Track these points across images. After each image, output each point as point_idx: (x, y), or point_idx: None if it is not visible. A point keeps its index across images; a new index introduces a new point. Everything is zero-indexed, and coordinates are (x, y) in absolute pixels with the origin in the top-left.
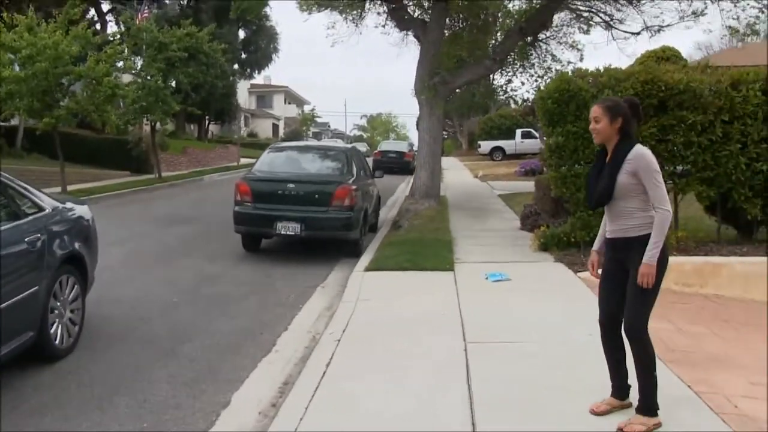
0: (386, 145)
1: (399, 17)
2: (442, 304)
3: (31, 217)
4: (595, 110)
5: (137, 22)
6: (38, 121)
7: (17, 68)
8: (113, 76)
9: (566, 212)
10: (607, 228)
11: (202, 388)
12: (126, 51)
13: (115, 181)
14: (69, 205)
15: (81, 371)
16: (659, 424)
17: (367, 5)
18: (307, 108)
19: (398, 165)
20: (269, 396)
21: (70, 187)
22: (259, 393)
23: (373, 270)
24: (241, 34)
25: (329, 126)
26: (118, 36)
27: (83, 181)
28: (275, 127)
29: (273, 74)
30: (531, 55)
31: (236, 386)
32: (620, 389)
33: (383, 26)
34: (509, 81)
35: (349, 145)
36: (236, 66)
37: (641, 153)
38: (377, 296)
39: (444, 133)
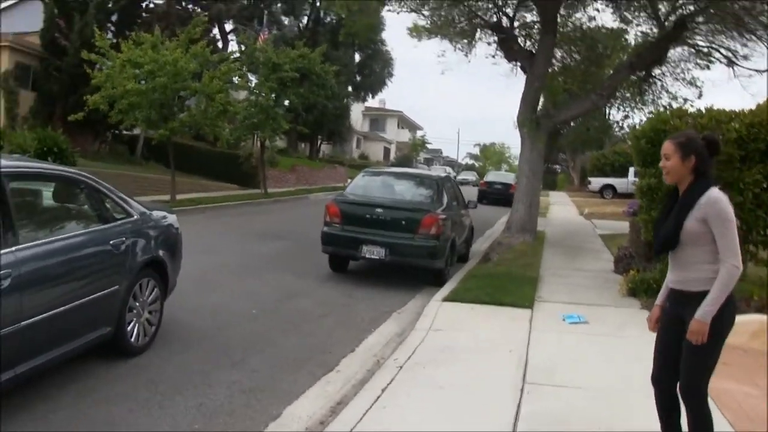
0: (492, 176)
1: (507, 47)
2: (512, 342)
3: (118, 222)
4: (666, 147)
5: (259, 42)
6: (155, 132)
7: (140, 82)
8: (226, 93)
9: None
10: (670, 278)
11: (258, 398)
12: (240, 69)
13: (223, 193)
14: (157, 213)
15: (152, 369)
16: None
17: (477, 34)
18: (419, 133)
19: (503, 196)
20: (320, 413)
21: (179, 196)
22: (310, 409)
23: (451, 301)
24: (357, 57)
25: (441, 153)
26: (234, 55)
27: (193, 190)
28: (386, 151)
29: (388, 98)
30: (645, 91)
31: (291, 400)
32: None
33: (492, 56)
34: (626, 116)
35: (443, 174)
36: (350, 88)
37: (715, 198)
38: (449, 327)
39: (557, 167)
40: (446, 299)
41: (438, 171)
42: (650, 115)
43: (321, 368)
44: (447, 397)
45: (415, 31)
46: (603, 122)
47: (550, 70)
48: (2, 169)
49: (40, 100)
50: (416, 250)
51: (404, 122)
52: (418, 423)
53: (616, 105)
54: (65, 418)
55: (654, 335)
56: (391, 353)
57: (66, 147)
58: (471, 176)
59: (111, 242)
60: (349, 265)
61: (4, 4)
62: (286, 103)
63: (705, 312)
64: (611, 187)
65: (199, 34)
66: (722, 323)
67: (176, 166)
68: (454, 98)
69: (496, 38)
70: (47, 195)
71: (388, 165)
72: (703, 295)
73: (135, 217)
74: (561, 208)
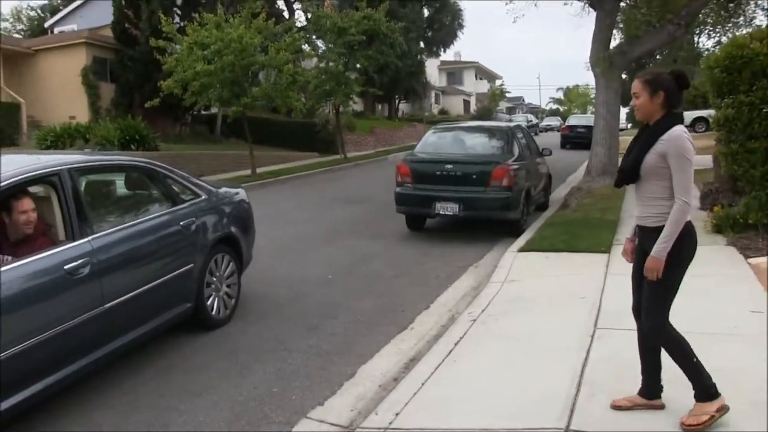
0: (574, 120)
1: None
2: (586, 288)
3: (187, 203)
4: (635, 85)
5: (324, 7)
6: (229, 110)
7: (208, 63)
8: (293, 64)
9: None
10: (635, 213)
11: (334, 360)
12: (303, 39)
13: (302, 163)
14: (225, 190)
15: (231, 339)
16: (724, 407)
17: None
18: (498, 83)
19: (586, 140)
20: (393, 370)
21: (259, 169)
22: (384, 367)
23: (527, 251)
24: (425, 12)
25: (523, 100)
26: (297, 24)
27: (273, 163)
28: (466, 104)
29: (462, 50)
30: (735, 13)
31: (365, 360)
32: (647, 388)
33: None
34: (718, 42)
35: (512, 123)
36: (422, 44)
37: (676, 134)
38: (524, 277)
39: None
40: (522, 249)
41: (519, 119)
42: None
43: (395, 327)
44: (517, 347)
45: None
46: (691, 51)
47: (622, 4)
48: (71, 165)
49: (119, 91)
50: (489, 203)
51: (482, 73)
52: (487, 373)
53: (707, 31)
54: (152, 389)
55: (739, 266)
56: (466, 307)
57: (147, 133)
58: (555, 122)
59: (181, 223)
60: (427, 223)
61: (75, 3)
62: (357, 66)
63: (658, 249)
64: (703, 119)
65: (260, 7)
66: (679, 257)
67: (255, 140)
68: (531, 44)
69: None
70: (120, 184)
71: (469, 118)
72: (659, 230)
73: (203, 196)
74: None
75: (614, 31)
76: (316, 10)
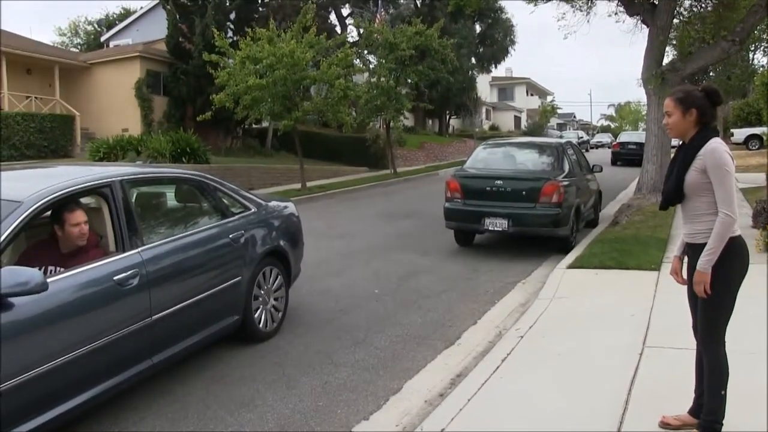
0: (625, 137)
1: (628, 1)
2: (634, 306)
3: (236, 216)
4: (666, 103)
5: (376, 23)
6: (280, 123)
7: (260, 77)
8: (345, 78)
9: None
10: (683, 231)
11: (380, 374)
12: (355, 54)
13: (352, 177)
14: (275, 204)
15: (279, 352)
16: None
17: None
18: (549, 99)
19: (637, 157)
20: (440, 386)
21: (309, 183)
22: (430, 383)
23: (576, 267)
24: (477, 28)
25: (574, 116)
26: (349, 39)
27: (323, 177)
28: (517, 120)
29: (514, 66)
30: None
31: (411, 375)
32: (699, 407)
33: (615, 13)
34: None
35: (563, 140)
36: (473, 60)
37: (713, 147)
38: (572, 294)
39: None
40: (571, 266)
41: (570, 135)
42: None
43: (442, 342)
44: (565, 364)
45: None
46: (746, 68)
47: (676, 21)
48: (123, 177)
49: (171, 104)
50: (539, 219)
51: (533, 89)
52: (533, 390)
53: (762, 48)
54: (200, 399)
55: None
56: (513, 323)
57: (198, 146)
58: (606, 138)
59: (230, 236)
60: (476, 239)
61: (132, 17)
62: (408, 81)
63: (702, 262)
64: (757, 137)
65: (311, 21)
66: (727, 272)
67: (305, 154)
68: (582, 60)
69: None
70: (170, 197)
71: (520, 134)
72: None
73: (252, 209)
74: None
75: (667, 48)
76: (368, 25)
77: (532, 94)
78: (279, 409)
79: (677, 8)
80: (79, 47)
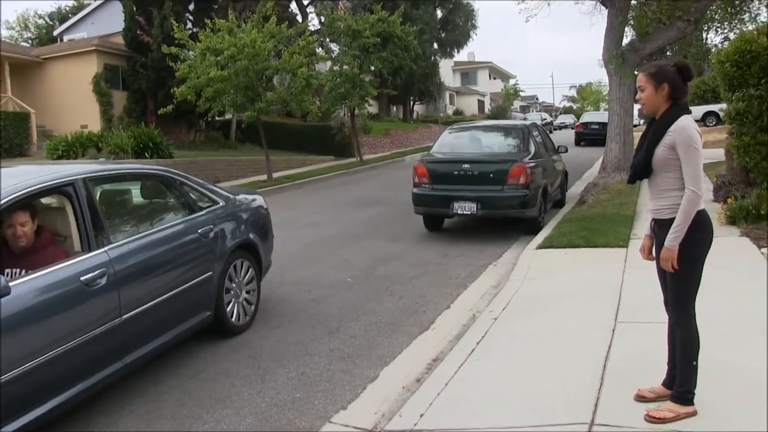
0: (588, 117)
1: None
2: (605, 282)
3: (204, 211)
4: (639, 78)
5: (339, 11)
6: (243, 115)
7: (222, 69)
8: (307, 67)
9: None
10: (650, 206)
11: (356, 363)
12: (317, 42)
13: (319, 166)
14: (243, 197)
15: (253, 345)
16: (693, 413)
17: None
18: (512, 82)
19: (600, 136)
20: (416, 372)
21: (275, 174)
22: (407, 369)
23: (546, 248)
24: (439, 14)
25: (537, 99)
26: (311, 27)
27: (289, 167)
28: (480, 104)
29: (476, 51)
30: (741, 10)
31: (387, 362)
32: (672, 379)
33: None
34: (725, 39)
35: (528, 122)
36: (435, 46)
37: (683, 125)
38: (543, 274)
39: None
40: (540, 246)
41: (533, 117)
42: None
43: (417, 328)
44: (539, 344)
45: None
46: (700, 48)
47: (633, 2)
48: (86, 175)
49: (131, 99)
50: (507, 201)
51: (495, 72)
52: (510, 371)
53: (714, 28)
54: (175, 398)
55: (753, 257)
56: (486, 306)
57: (161, 141)
58: (569, 119)
59: (199, 231)
60: (445, 224)
61: (86, 10)
62: (372, 68)
63: (670, 239)
64: (714, 114)
65: (271, 10)
66: (694, 246)
67: (270, 145)
68: (544, 43)
69: None
70: (136, 193)
71: (484, 118)
72: (673, 222)
73: (220, 203)
74: None
75: (626, 29)
76: (330, 13)
77: (494, 78)
78: (256, 403)
79: None
80: (30, 42)
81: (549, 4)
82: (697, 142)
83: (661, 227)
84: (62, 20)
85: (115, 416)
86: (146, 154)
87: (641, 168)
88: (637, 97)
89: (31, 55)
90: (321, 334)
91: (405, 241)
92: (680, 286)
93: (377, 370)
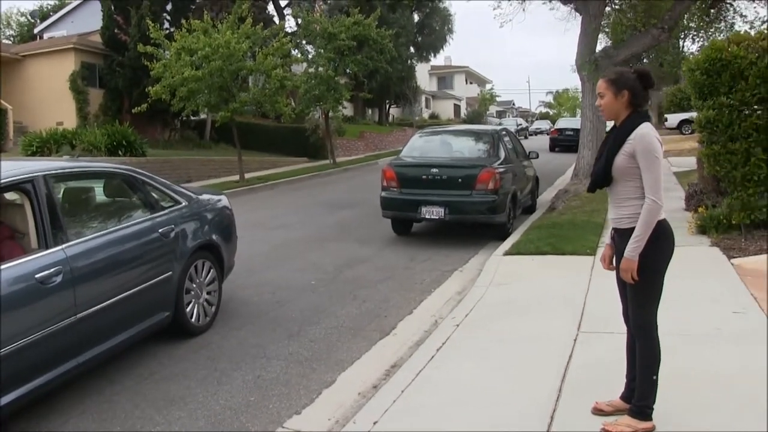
0: (563, 123)
1: None
2: (570, 291)
3: (166, 210)
4: (599, 84)
5: (316, 13)
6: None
7: (196, 69)
8: (281, 69)
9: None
10: (609, 215)
11: (314, 367)
12: (291, 44)
13: (292, 168)
14: (207, 197)
15: (212, 347)
16: (651, 429)
17: None
18: (488, 87)
19: (575, 143)
20: (374, 378)
21: (248, 175)
22: (364, 374)
23: (513, 254)
24: (416, 17)
25: (513, 104)
26: (287, 29)
27: (262, 168)
28: (457, 108)
29: (453, 55)
30: (716, 18)
31: (345, 367)
32: (631, 392)
33: (549, 0)
34: (701, 47)
35: (498, 127)
36: (412, 49)
37: (643, 132)
38: (509, 281)
39: None
40: (507, 253)
41: (509, 123)
42: None
43: (378, 333)
44: (499, 352)
45: None
46: (677, 55)
47: (608, 9)
48: (47, 172)
49: (108, 97)
50: (475, 207)
51: (472, 77)
52: (467, 379)
53: (691, 36)
54: (129, 398)
55: (722, 267)
56: (449, 312)
57: (135, 139)
58: (545, 125)
59: (159, 231)
60: (414, 228)
61: (66, 9)
62: (347, 71)
63: (629, 249)
64: (689, 121)
65: (246, 12)
66: (654, 257)
67: (245, 145)
68: (521, 48)
69: None
70: (98, 192)
71: (459, 122)
72: (632, 231)
73: (183, 203)
74: None
75: (600, 35)
76: (306, 15)
77: (471, 83)
78: (210, 406)
79: None
80: (11, 39)
81: (524, 10)
82: (658, 150)
83: (621, 237)
84: (43, 18)
85: (68, 415)
86: (120, 152)
87: (601, 176)
88: (597, 103)
89: (11, 52)
90: (281, 337)
91: (374, 244)
92: (640, 298)
93: (334, 375)
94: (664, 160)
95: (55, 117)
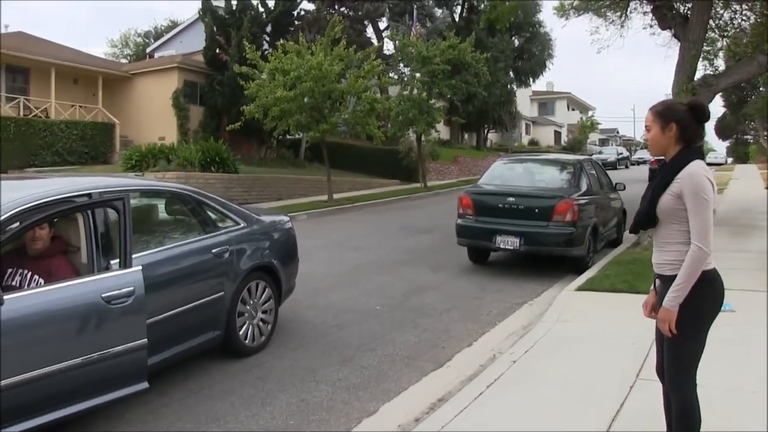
0: None
1: (660, 15)
2: (638, 333)
3: (222, 231)
4: (646, 117)
5: (412, 37)
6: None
7: (289, 89)
8: (371, 91)
9: None
10: (653, 260)
11: (359, 395)
12: (381, 66)
13: (381, 190)
14: (267, 219)
15: (264, 367)
16: None
17: (631, 4)
18: (590, 114)
19: None
20: (417, 411)
21: (337, 195)
22: (408, 406)
23: (585, 290)
24: (516, 42)
25: (617, 132)
26: (386, 52)
27: (353, 189)
28: (557, 135)
29: (556, 80)
30: None
31: (391, 397)
32: None
33: (650, 26)
34: None
35: (582, 157)
36: (511, 74)
37: (691, 171)
38: (577, 318)
39: (748, 137)
40: (580, 288)
41: (609, 152)
42: None
43: (431, 364)
44: (551, 392)
45: (561, 11)
46: None
47: (712, 35)
48: (103, 189)
49: (207, 114)
50: (551, 238)
51: (574, 103)
52: (512, 418)
53: None
54: (174, 411)
55: None
56: (510, 347)
57: (227, 156)
58: (648, 154)
59: (213, 251)
60: (491, 257)
61: (176, 29)
62: (441, 95)
63: (669, 299)
64: None
65: (340, 33)
66: (695, 309)
67: (338, 166)
68: (626, 74)
69: (650, 5)
70: (158, 210)
71: (559, 149)
72: (674, 279)
73: (241, 224)
74: (743, 184)
75: (699, 63)
76: (402, 38)
77: (573, 109)
78: (248, 426)
79: (712, 21)
80: (128, 58)
81: (622, 36)
82: (707, 191)
83: (663, 284)
84: (157, 38)
85: (114, 422)
86: (212, 168)
87: (644, 217)
88: (645, 137)
89: (121, 70)
90: (333, 362)
91: (446, 271)
92: (679, 352)
93: (378, 405)
94: None
95: (158, 132)
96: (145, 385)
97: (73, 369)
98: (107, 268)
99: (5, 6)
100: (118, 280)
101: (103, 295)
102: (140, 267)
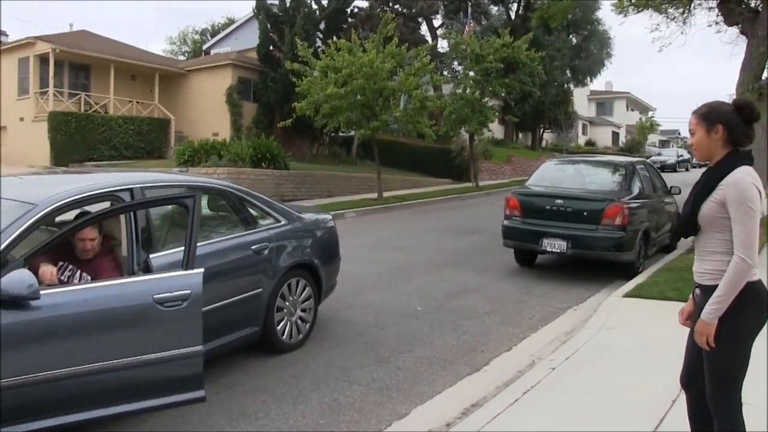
0: None
1: (727, 10)
2: (684, 343)
3: (262, 228)
4: (690, 121)
5: (465, 34)
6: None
7: (340, 87)
8: (423, 89)
9: None
10: (694, 268)
11: (392, 396)
12: (432, 64)
13: (432, 189)
14: (308, 216)
15: (299, 364)
16: None
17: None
18: (650, 114)
19: None
20: (450, 415)
21: (387, 193)
22: (441, 410)
23: (633, 296)
24: (573, 40)
25: (678, 133)
26: (440, 50)
27: (404, 187)
28: (615, 135)
29: (615, 80)
30: None
31: (424, 400)
32: None
33: (716, 23)
34: None
35: (635, 159)
36: (568, 73)
37: (737, 177)
38: (622, 325)
39: None
40: (628, 294)
41: (669, 154)
42: None
43: (468, 368)
44: (588, 402)
45: (620, 7)
46: None
47: None
48: (142, 185)
49: (260, 110)
50: (600, 242)
51: (633, 104)
52: (544, 427)
53: None
54: (206, 406)
55: None
56: (551, 353)
57: (278, 152)
58: None
59: (252, 248)
60: (538, 259)
61: (233, 26)
62: (494, 93)
63: (707, 311)
64: None
65: (392, 31)
66: (736, 324)
67: (389, 164)
68: (688, 73)
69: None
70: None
71: (617, 150)
72: (715, 290)
73: (282, 222)
74: None
75: None
76: (455, 36)
77: (632, 109)
78: (278, 424)
79: None
80: (186, 55)
81: (683, 33)
82: (754, 199)
83: (703, 294)
84: (213, 35)
85: (146, 416)
86: (263, 164)
87: (685, 224)
88: (689, 142)
89: (177, 67)
90: (369, 362)
91: (491, 273)
92: (718, 369)
93: (410, 408)
94: None
95: (211, 128)
96: (201, 393)
97: (116, 370)
98: (146, 263)
99: (71, 6)
100: (175, 281)
101: (154, 296)
102: (202, 270)
